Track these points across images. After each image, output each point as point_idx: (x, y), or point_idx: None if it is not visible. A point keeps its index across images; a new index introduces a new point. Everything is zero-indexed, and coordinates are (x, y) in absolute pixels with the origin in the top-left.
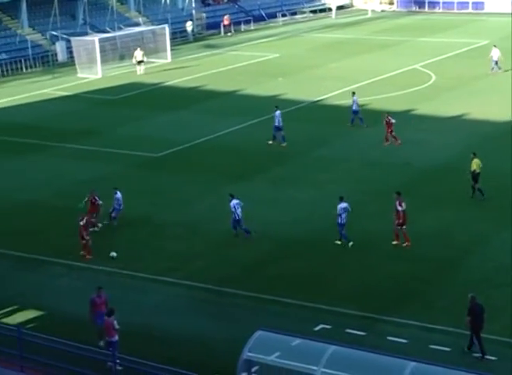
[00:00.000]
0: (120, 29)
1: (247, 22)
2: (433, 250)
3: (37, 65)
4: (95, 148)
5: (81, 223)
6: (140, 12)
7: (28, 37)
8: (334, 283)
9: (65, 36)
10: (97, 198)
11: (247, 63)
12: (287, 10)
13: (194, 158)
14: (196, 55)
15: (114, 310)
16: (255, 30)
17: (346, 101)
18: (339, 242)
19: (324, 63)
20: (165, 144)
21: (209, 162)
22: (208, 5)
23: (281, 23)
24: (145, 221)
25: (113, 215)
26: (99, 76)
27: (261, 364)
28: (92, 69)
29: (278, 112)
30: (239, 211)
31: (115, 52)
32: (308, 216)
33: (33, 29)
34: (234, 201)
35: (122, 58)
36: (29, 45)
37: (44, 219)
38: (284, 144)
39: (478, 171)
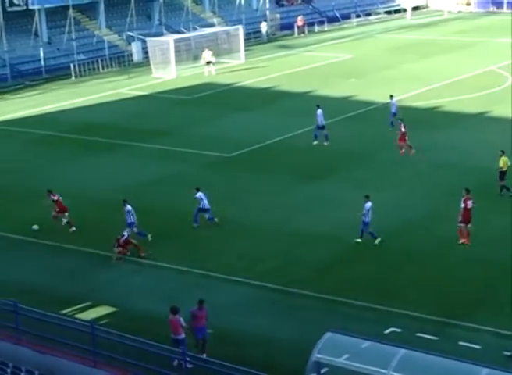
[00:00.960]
0: (195, 29)
1: (321, 23)
2: (507, 254)
3: (113, 65)
4: (168, 148)
5: (125, 235)
6: (214, 13)
7: (105, 38)
8: (405, 287)
9: (140, 36)
10: (54, 195)
11: (320, 64)
12: (361, 11)
13: (267, 158)
14: (269, 56)
15: (179, 308)
16: (329, 31)
17: (421, 103)
18: (359, 240)
19: (398, 64)
20: (237, 144)
21: (282, 162)
22: (282, 5)
23: (355, 24)
24: (218, 220)
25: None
26: (173, 76)
27: (330, 366)
28: (166, 69)
29: (319, 111)
30: (206, 201)
31: (190, 53)
32: (379, 218)
33: (110, 30)
34: (200, 193)
35: (196, 58)
36: (106, 46)
37: (118, 218)
38: (326, 144)
39: (504, 169)
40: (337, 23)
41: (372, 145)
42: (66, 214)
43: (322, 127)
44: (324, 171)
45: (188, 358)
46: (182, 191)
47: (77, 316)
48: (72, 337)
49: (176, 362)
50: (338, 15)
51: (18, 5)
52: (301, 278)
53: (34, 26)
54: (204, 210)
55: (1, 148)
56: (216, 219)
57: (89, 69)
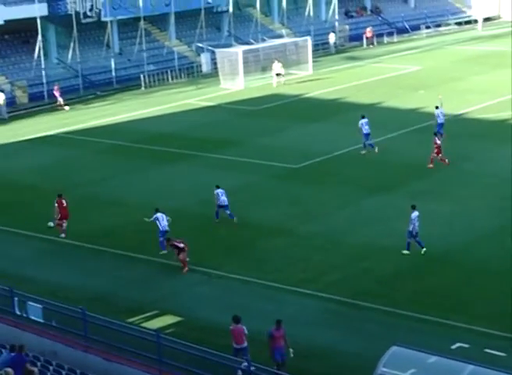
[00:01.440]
0: (263, 40)
1: (390, 34)
2: None
3: (183, 76)
4: (236, 158)
5: (180, 246)
6: (283, 24)
7: (175, 49)
8: (473, 301)
9: (210, 48)
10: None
11: (389, 76)
12: (431, 22)
13: (333, 169)
14: (337, 67)
15: (240, 317)
16: (398, 42)
17: (490, 115)
18: (406, 252)
19: (467, 76)
20: (304, 156)
21: (348, 174)
22: (352, 17)
23: (424, 35)
24: (283, 231)
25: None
26: (241, 87)
27: None
28: (235, 80)
29: (364, 121)
30: (223, 198)
31: (258, 64)
32: (447, 231)
33: (180, 41)
34: (219, 190)
35: (264, 69)
36: (175, 57)
37: (187, 227)
38: (363, 152)
39: None
40: (406, 35)
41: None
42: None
43: (367, 136)
44: (390, 183)
45: (252, 367)
46: (249, 203)
47: (143, 324)
48: (138, 345)
49: (240, 373)
50: (407, 26)
51: (91, 17)
52: (367, 291)
53: (106, 37)
54: (222, 207)
55: (73, 157)
56: (235, 219)
57: (158, 80)
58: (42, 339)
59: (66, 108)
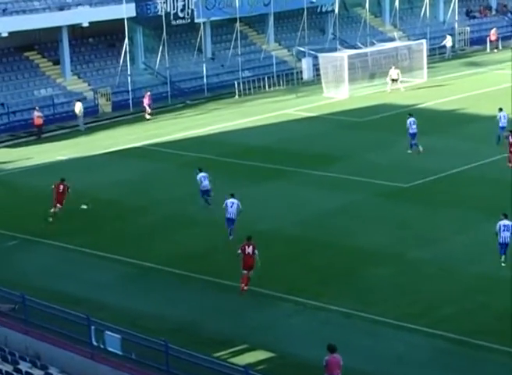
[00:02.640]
0: (373, 44)
1: None
2: None
3: (281, 83)
4: (338, 175)
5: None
6: (395, 26)
7: (273, 53)
8: None
9: (312, 52)
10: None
11: None
12: None
13: (449, 189)
14: (455, 74)
15: (336, 346)
16: None
17: None
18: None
19: None
20: (416, 173)
21: (466, 194)
22: (474, 17)
23: None
24: (389, 258)
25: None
26: (346, 96)
27: None
28: (339, 88)
29: (412, 120)
30: (206, 183)
31: (366, 70)
32: None
33: (279, 44)
34: (201, 174)
35: (372, 76)
36: (273, 62)
37: (281, 251)
38: (410, 151)
39: None
40: None
41: None
42: (58, 206)
43: (413, 136)
44: None
45: None
46: (352, 224)
47: (231, 359)
48: None
49: None
50: None
51: (183, 19)
52: (484, 328)
53: (198, 40)
54: (205, 192)
55: (158, 171)
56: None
57: (254, 88)
58: (120, 373)
59: (147, 116)
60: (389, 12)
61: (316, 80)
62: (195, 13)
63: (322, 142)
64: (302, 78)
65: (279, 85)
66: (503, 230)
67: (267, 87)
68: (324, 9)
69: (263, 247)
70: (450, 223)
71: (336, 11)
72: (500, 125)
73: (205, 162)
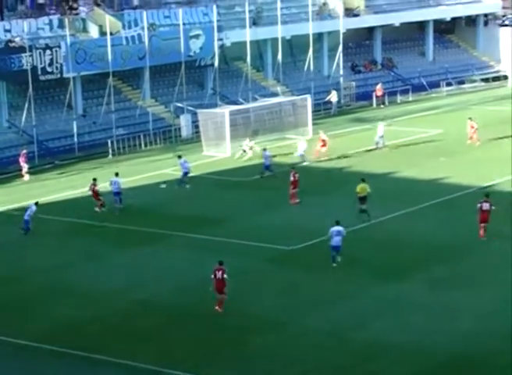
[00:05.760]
0: (255, 100)
1: (405, 92)
2: None
3: (158, 141)
4: (220, 239)
5: None
6: (278, 81)
7: (149, 110)
8: None
9: (191, 108)
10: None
11: (403, 140)
12: (453, 78)
13: None
14: (342, 131)
15: None
16: (414, 101)
17: None
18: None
19: (497, 141)
20: (302, 235)
21: (355, 256)
22: (359, 72)
23: (445, 94)
24: (276, 327)
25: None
26: (228, 154)
27: None
28: (220, 146)
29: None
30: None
31: (248, 127)
32: (474, 326)
33: (156, 100)
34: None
35: (255, 133)
36: (150, 119)
37: (163, 322)
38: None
39: (362, 195)
40: (424, 93)
41: (465, 238)
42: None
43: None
44: (405, 268)
45: None
46: (235, 291)
47: None
48: None
49: None
50: (425, 83)
51: (52, 73)
52: None
53: (68, 96)
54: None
55: (22, 239)
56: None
57: (129, 146)
58: None
59: (26, 177)
60: (272, 66)
61: (196, 137)
62: (64, 68)
63: (203, 204)
64: (180, 136)
65: (156, 143)
66: (335, 235)
67: (143, 145)
68: (203, 63)
69: (142, 316)
70: (339, 287)
71: (216, 65)
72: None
73: (77, 227)
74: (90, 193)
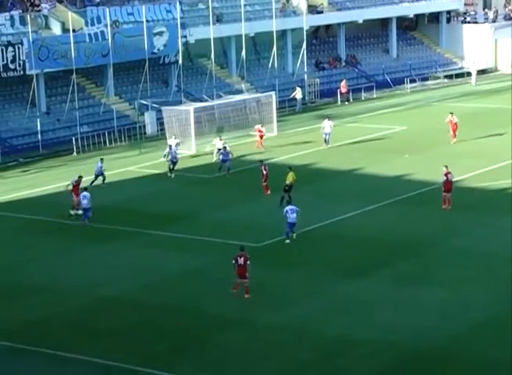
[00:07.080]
0: (219, 97)
1: (369, 89)
2: None
3: (123, 138)
4: (186, 236)
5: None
6: (243, 78)
7: (113, 107)
8: None
9: (155, 105)
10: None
11: (368, 137)
12: (417, 75)
13: (302, 248)
14: (306, 128)
15: None
16: (378, 98)
17: (488, 184)
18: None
19: (461, 138)
20: (268, 232)
21: (319, 253)
22: (323, 69)
23: (409, 91)
24: (243, 324)
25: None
26: (193, 151)
27: None
28: (185, 143)
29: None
30: (84, 201)
31: (213, 124)
32: (437, 322)
33: (120, 97)
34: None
35: (220, 130)
36: (114, 116)
37: (130, 319)
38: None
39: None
40: (388, 89)
41: (429, 234)
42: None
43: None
44: (369, 264)
45: None
46: (201, 289)
47: None
48: None
49: None
50: (389, 79)
51: (14, 70)
52: None
53: (31, 93)
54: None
55: None
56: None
57: (94, 144)
58: None
59: None
60: (236, 63)
61: (160, 134)
62: (27, 65)
63: (167, 201)
64: (145, 133)
65: (121, 141)
66: (291, 213)
67: (107, 142)
68: (167, 60)
69: (106, 314)
70: (304, 284)
71: (180, 62)
72: None
73: (40, 225)
74: (70, 188)
